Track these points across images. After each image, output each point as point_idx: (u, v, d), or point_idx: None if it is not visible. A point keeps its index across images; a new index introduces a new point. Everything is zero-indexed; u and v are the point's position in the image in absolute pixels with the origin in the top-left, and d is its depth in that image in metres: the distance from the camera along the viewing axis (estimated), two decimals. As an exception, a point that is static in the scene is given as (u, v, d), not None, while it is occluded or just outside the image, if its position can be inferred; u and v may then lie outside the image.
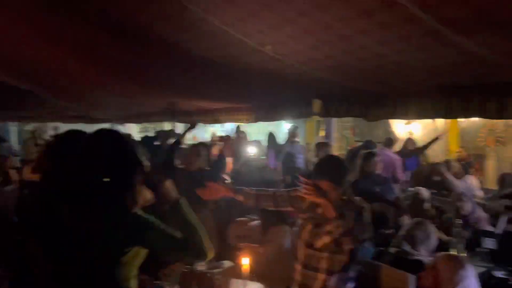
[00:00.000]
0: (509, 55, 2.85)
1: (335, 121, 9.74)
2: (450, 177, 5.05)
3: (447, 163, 5.38)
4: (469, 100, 3.88)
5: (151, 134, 8.89)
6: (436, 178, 5.14)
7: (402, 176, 5.37)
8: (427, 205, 4.18)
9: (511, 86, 3.57)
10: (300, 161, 5.74)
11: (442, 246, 3.47)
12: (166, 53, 4.52)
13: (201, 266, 2.93)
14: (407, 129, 8.89)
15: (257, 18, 3.06)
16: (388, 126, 9.05)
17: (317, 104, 5.39)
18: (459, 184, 5.04)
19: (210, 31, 3.53)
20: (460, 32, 2.61)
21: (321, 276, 2.35)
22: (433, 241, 2.78)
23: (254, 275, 3.05)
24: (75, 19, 4.21)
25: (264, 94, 5.71)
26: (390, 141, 5.48)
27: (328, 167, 2.49)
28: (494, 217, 3.82)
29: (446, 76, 3.56)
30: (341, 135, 10.60)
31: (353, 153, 5.09)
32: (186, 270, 2.87)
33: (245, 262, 2.23)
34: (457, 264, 2.04)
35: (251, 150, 5.07)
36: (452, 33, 2.62)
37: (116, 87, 6.81)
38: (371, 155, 4.07)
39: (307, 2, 2.68)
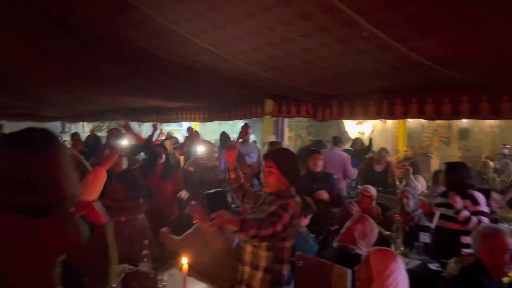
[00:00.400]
0: (441, 61, 3.03)
1: (288, 120, 9.91)
2: (410, 176, 5.33)
3: (382, 151, 5.75)
4: (409, 102, 4.09)
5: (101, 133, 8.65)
6: (378, 168, 5.42)
7: (352, 173, 5.55)
8: (374, 203, 4.35)
9: (446, 90, 3.80)
10: (253, 160, 5.78)
11: (383, 240, 3.63)
12: (115, 52, 4.42)
13: (144, 267, 2.90)
14: (358, 129, 9.21)
15: (203, 18, 3.06)
16: (341, 126, 9.33)
17: (269, 104, 5.47)
18: (414, 183, 5.32)
19: (158, 30, 3.50)
20: (395, 37, 2.74)
21: (246, 269, 2.39)
22: (373, 236, 2.89)
23: (200, 275, 3.07)
24: (20, 15, 4.03)
25: (217, 93, 5.72)
26: (338, 139, 5.67)
27: (278, 152, 2.59)
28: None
29: (387, 79, 3.72)
30: (296, 134, 10.80)
31: (303, 152, 5.22)
32: (128, 271, 2.82)
33: (184, 261, 2.22)
34: (388, 258, 2.13)
35: (201, 149, 5.05)
36: (388, 38, 2.75)
37: (65, 84, 6.58)
38: (312, 153, 4.22)
39: (251, 3, 2.71)
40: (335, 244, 2.91)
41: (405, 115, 4.15)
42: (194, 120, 6.77)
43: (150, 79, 5.35)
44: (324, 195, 4.24)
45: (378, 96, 4.30)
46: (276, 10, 2.68)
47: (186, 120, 6.90)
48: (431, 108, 3.95)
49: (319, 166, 4.30)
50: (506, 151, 4.75)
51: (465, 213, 3.17)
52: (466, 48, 2.68)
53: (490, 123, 8.49)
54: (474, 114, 3.61)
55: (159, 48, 4.06)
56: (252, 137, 10.23)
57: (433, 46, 2.72)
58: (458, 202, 3.18)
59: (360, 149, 6.66)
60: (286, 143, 9.77)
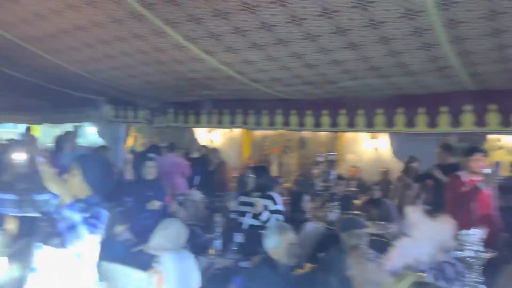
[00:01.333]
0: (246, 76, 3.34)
1: (141, 126, 9.71)
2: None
3: (213, 151, 6.19)
4: (235, 113, 4.40)
5: None
6: (211, 167, 5.80)
7: (189, 170, 5.62)
8: (201, 206, 4.52)
9: (265, 102, 4.20)
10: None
11: (203, 243, 3.81)
12: None
13: None
14: (209, 136, 9.52)
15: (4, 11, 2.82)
16: (192, 133, 9.49)
17: (106, 108, 5.29)
18: None
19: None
20: (204, 50, 2.93)
21: None
22: (182, 239, 3.00)
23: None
24: None
25: (48, 94, 5.29)
26: (172, 146, 5.75)
27: (85, 157, 2.50)
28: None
29: (211, 89, 3.94)
30: (149, 141, 10.59)
31: (137, 159, 5.16)
32: None
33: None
34: (178, 258, 2.26)
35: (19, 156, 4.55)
36: (199, 50, 2.93)
37: None
38: (145, 161, 4.22)
39: (59, 2, 2.60)
40: (138, 248, 2.95)
41: (231, 124, 4.44)
42: (22, 122, 6.13)
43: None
44: (156, 204, 4.24)
45: (210, 105, 4.53)
46: (84, 11, 2.62)
47: (12, 121, 6.20)
48: (253, 119, 4.31)
49: (152, 174, 4.29)
50: (320, 159, 5.45)
51: (266, 214, 3.55)
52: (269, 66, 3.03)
53: (325, 133, 9.60)
54: (286, 125, 4.08)
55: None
56: (101, 142, 9.70)
57: (238, 62, 2.99)
58: (259, 204, 3.55)
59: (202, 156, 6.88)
60: (140, 150, 9.53)
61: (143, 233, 3.29)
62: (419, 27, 2.24)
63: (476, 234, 2.41)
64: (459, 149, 4.29)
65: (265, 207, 3.71)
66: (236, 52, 2.83)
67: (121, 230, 3.30)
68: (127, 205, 3.95)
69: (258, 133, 9.28)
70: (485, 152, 3.69)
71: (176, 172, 5.25)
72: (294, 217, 4.46)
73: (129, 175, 5.41)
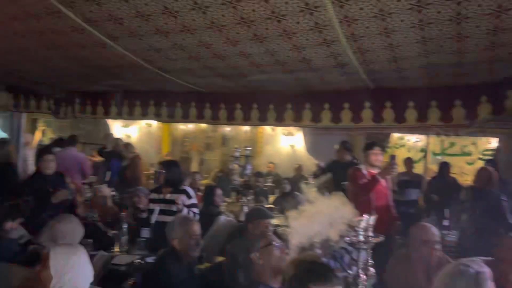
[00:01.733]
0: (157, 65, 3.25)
1: (52, 121, 9.05)
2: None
3: (128, 146, 6.05)
4: (147, 104, 4.27)
5: None
6: (124, 162, 5.67)
7: (88, 172, 5.34)
8: (109, 202, 4.31)
9: (178, 95, 4.12)
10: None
11: (108, 240, 3.65)
12: None
13: None
14: (124, 131, 9.16)
15: None
16: (108, 128, 9.06)
17: (3, 96, 4.83)
18: None
19: None
20: (106, 35, 2.79)
21: None
22: (77, 235, 2.84)
23: None
24: None
25: None
26: (73, 139, 5.40)
27: None
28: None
29: (115, 78, 3.77)
30: (61, 136, 9.92)
31: (39, 152, 4.79)
32: None
33: None
34: (67, 253, 2.11)
35: None
36: (101, 35, 2.78)
37: None
38: (42, 154, 3.94)
39: None
40: (32, 246, 2.75)
41: (143, 116, 4.31)
42: None
43: None
44: (61, 195, 3.98)
45: (120, 95, 4.34)
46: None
47: None
48: (167, 111, 4.21)
49: (50, 168, 4.02)
50: (237, 154, 5.50)
51: (185, 210, 3.50)
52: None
53: (245, 130, 9.68)
54: (200, 118, 4.05)
55: None
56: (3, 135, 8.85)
57: (144, 49, 2.88)
58: (178, 199, 3.49)
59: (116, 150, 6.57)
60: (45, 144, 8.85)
61: (40, 229, 3.08)
62: (318, 23, 2.33)
63: (367, 220, 2.58)
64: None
65: (182, 202, 3.64)
66: (141, 38, 2.73)
67: (12, 226, 3.03)
68: (22, 200, 3.66)
69: (179, 129, 9.13)
70: (383, 147, 4.00)
71: (74, 167, 4.93)
72: (207, 211, 4.45)
73: (29, 170, 5.02)
